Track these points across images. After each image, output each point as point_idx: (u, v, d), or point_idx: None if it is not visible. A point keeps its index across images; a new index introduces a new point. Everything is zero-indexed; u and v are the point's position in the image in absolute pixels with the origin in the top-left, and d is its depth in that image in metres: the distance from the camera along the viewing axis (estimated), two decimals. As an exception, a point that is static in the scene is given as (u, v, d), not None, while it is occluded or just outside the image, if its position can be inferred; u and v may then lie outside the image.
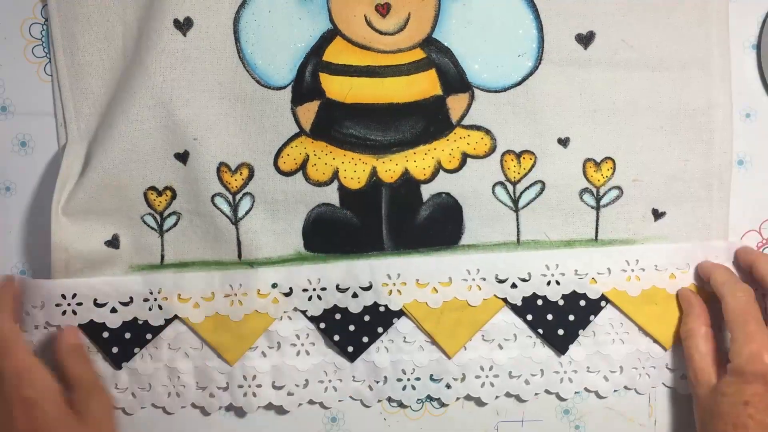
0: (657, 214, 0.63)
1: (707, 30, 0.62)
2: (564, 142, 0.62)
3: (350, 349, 0.63)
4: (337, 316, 0.63)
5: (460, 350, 0.63)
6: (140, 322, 0.62)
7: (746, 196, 0.64)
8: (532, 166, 0.63)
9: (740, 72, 0.63)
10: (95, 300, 0.62)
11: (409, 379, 0.63)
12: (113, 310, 0.62)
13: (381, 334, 0.63)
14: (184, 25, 0.62)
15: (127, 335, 0.62)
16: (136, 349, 0.63)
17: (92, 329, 0.62)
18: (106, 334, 0.62)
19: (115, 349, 0.63)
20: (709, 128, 0.62)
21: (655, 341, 0.63)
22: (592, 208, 0.63)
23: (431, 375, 0.63)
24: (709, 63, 0.62)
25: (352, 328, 0.63)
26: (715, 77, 0.62)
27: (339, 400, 0.64)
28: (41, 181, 0.64)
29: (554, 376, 0.63)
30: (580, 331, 0.63)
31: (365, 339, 0.63)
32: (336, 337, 0.63)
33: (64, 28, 0.63)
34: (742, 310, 0.58)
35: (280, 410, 0.64)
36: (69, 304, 0.62)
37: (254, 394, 0.63)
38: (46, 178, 0.64)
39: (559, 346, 0.63)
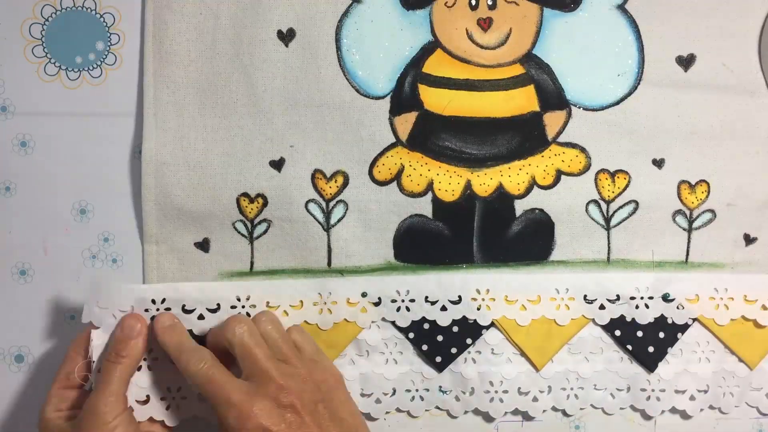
0: (749, 240, 0.64)
1: (807, 58, 0.63)
2: (659, 163, 0.63)
3: (438, 359, 0.63)
4: (426, 326, 0.63)
5: (548, 363, 0.64)
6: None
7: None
8: (627, 185, 0.63)
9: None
10: (183, 306, 0.62)
11: (497, 392, 0.63)
12: (200, 317, 0.62)
13: (469, 345, 0.63)
14: (287, 36, 0.62)
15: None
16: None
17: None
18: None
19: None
20: (805, 155, 0.63)
21: (741, 360, 0.64)
22: (684, 230, 0.64)
23: (519, 388, 0.64)
24: (809, 91, 0.63)
25: (440, 338, 0.63)
26: (814, 106, 0.63)
27: (426, 410, 0.64)
28: (41, 181, 0.64)
29: (641, 394, 0.64)
30: (669, 349, 0.63)
31: (453, 350, 0.63)
32: (424, 347, 0.63)
33: (156, 14, 0.62)
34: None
35: (368, 417, 0.64)
36: (158, 309, 0.61)
37: (342, 402, 0.63)
38: (46, 178, 0.64)
39: (649, 364, 0.63)
